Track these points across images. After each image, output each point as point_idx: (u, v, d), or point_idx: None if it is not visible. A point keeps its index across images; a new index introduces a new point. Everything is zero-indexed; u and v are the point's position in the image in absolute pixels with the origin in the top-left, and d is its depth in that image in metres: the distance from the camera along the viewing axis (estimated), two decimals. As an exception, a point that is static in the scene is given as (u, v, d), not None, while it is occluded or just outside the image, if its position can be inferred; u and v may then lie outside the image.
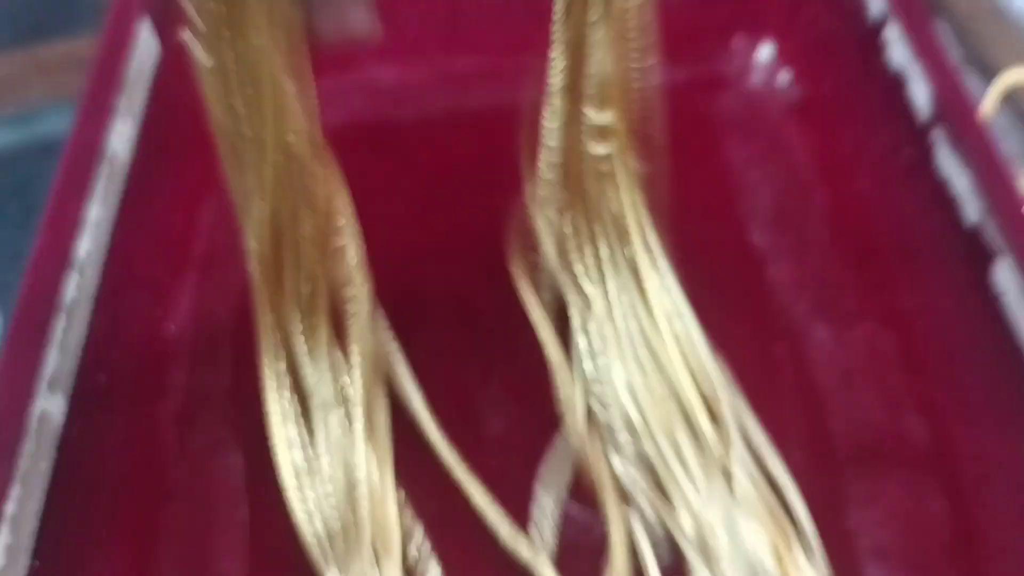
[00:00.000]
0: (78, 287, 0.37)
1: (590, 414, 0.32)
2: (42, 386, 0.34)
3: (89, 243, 0.38)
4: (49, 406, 0.34)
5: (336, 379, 0.33)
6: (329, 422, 0.32)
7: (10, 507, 0.31)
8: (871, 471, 0.31)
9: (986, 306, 0.34)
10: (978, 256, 0.35)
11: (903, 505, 0.30)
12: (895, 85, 0.40)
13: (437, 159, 0.42)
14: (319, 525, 0.30)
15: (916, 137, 0.39)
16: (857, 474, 0.31)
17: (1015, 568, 0.29)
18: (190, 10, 0.26)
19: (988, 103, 0.43)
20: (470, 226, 0.38)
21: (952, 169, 0.37)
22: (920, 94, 0.39)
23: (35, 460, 0.32)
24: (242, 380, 0.36)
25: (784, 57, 0.44)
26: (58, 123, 0.60)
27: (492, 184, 0.35)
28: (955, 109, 0.37)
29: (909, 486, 0.31)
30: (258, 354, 0.34)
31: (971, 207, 0.36)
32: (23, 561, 0.31)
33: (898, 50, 0.39)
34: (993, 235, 0.34)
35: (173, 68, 0.42)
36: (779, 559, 0.28)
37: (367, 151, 0.42)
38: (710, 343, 0.33)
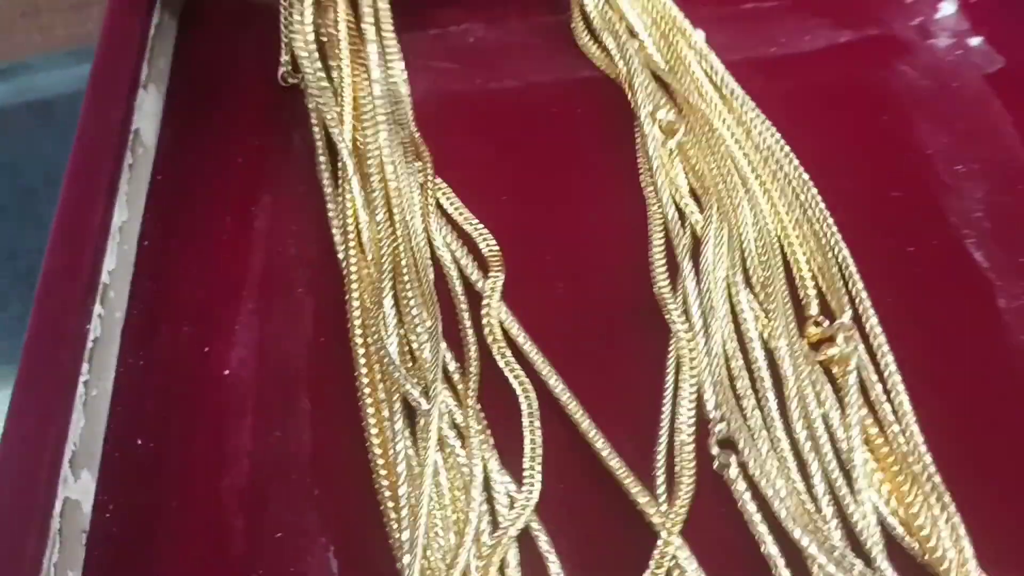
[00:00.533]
0: (102, 321, 0.28)
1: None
2: (64, 468, 0.26)
3: (114, 260, 0.30)
4: (77, 494, 0.26)
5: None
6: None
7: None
8: None
9: None
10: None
11: None
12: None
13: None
14: None
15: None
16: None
17: None
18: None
19: None
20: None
21: None
22: None
23: (64, 570, 0.24)
24: (322, 448, 0.27)
25: (970, 15, 0.35)
26: (51, 79, 0.51)
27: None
28: None
29: None
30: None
31: None
32: None
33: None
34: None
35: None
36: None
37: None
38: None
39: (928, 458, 0.25)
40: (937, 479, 0.24)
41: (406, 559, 0.24)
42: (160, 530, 0.26)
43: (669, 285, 0.29)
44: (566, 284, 0.30)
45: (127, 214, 0.32)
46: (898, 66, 0.34)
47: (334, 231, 0.32)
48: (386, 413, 0.27)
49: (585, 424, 0.27)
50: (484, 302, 0.29)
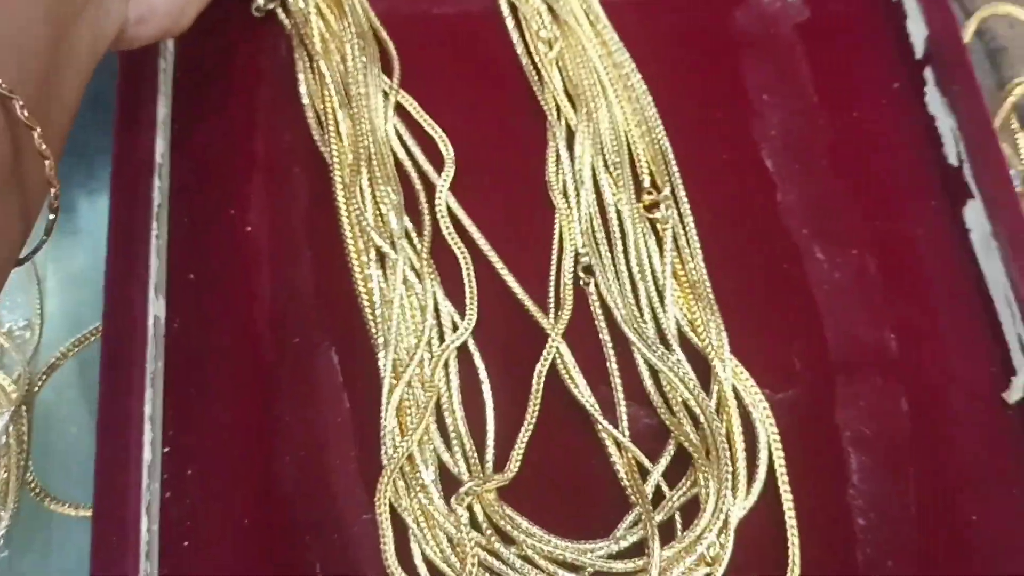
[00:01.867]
0: (159, 191, 0.40)
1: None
2: (151, 293, 0.38)
3: (163, 144, 0.41)
4: (157, 310, 0.38)
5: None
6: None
7: (147, 408, 0.36)
8: (853, 376, 0.39)
9: (956, 239, 0.42)
10: (955, 194, 0.42)
11: (877, 404, 0.39)
12: (896, 16, 0.45)
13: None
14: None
15: (910, 72, 0.45)
16: (843, 378, 0.39)
17: (965, 456, 0.38)
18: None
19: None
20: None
21: (939, 110, 0.43)
22: (917, 32, 0.44)
23: (155, 361, 0.37)
24: (324, 282, 0.41)
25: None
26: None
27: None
28: (946, 54, 0.43)
29: (882, 389, 0.39)
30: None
31: (951, 150, 0.42)
32: (159, 452, 0.37)
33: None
34: (968, 178, 0.41)
35: None
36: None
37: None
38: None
39: (708, 285, 0.40)
40: (711, 297, 0.40)
41: (381, 354, 0.38)
42: (212, 338, 0.40)
43: (555, 171, 0.42)
44: (492, 176, 0.43)
45: (165, 108, 0.43)
46: (733, 13, 0.47)
47: (310, 121, 0.43)
48: (365, 259, 0.40)
49: (503, 271, 0.40)
50: (439, 187, 0.42)
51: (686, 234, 0.41)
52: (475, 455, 0.38)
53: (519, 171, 0.43)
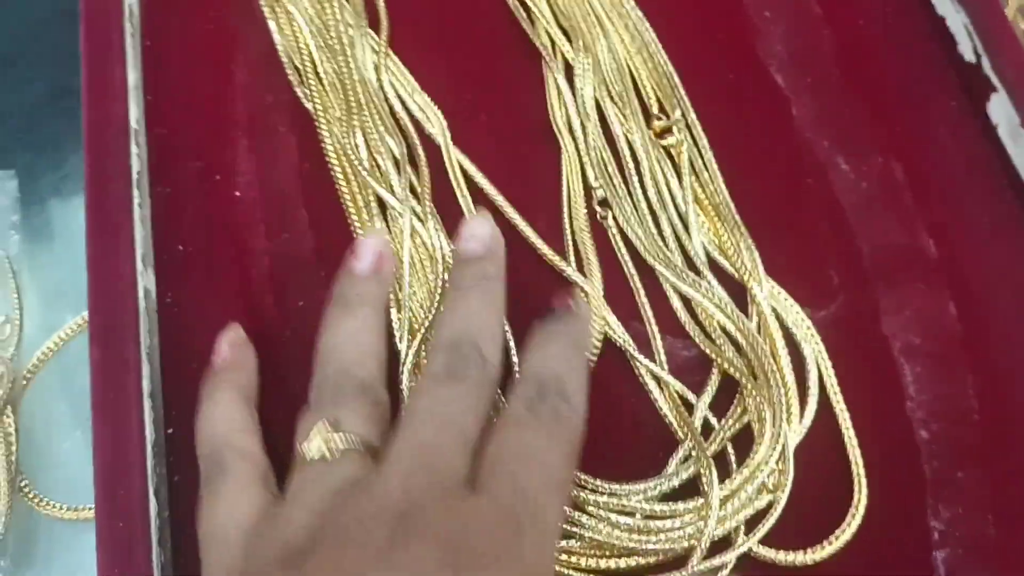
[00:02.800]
0: (138, 158, 0.38)
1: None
2: (139, 264, 0.35)
3: (136, 110, 0.38)
4: (147, 282, 0.36)
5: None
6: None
7: (146, 384, 0.33)
8: (895, 284, 0.37)
9: (978, 134, 0.40)
10: (977, 90, 0.40)
11: (924, 311, 0.37)
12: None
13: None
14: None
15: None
16: (885, 287, 0.37)
17: (1016, 355, 0.36)
18: None
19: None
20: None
21: (948, 9, 0.42)
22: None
23: (149, 336, 0.35)
24: (320, 243, 0.38)
25: None
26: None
27: None
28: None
29: (927, 294, 0.37)
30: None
31: (967, 46, 0.41)
32: (162, 431, 0.34)
33: None
34: (988, 72, 0.39)
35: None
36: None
37: None
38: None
39: (732, 206, 0.38)
40: (738, 219, 0.38)
41: (394, 312, 0.36)
42: (209, 310, 0.37)
43: (558, 107, 0.40)
44: (489, 120, 0.41)
45: (135, 76, 0.40)
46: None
47: (290, 76, 0.41)
48: (365, 215, 0.38)
49: (514, 215, 0.38)
50: (442, 135, 0.39)
51: (702, 157, 0.39)
52: (504, 404, 0.35)
53: (517, 113, 0.41)
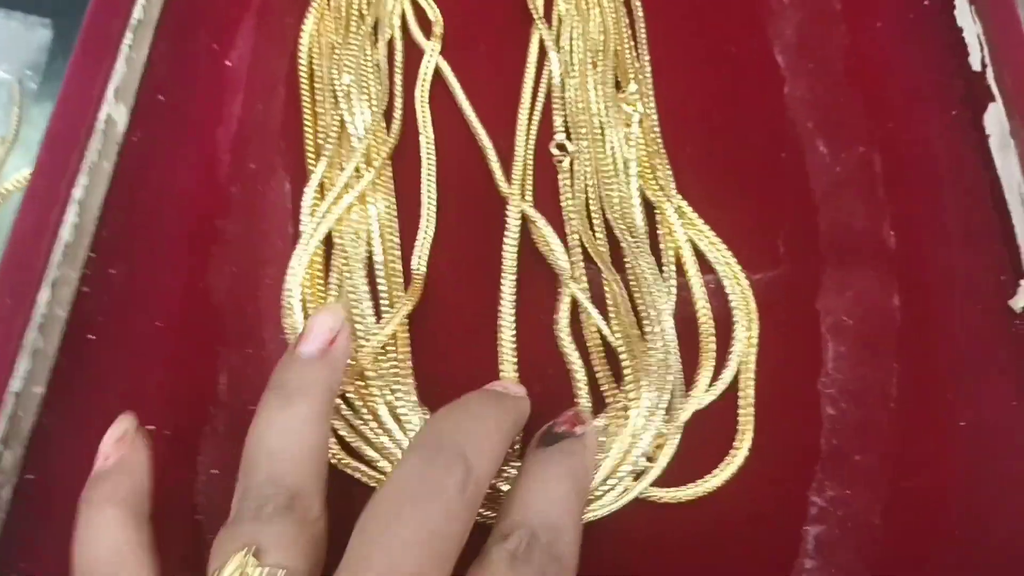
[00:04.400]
0: (144, 8, 0.40)
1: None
2: (109, 94, 0.37)
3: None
4: (115, 113, 0.38)
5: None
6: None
7: (77, 192, 0.35)
8: (845, 264, 0.36)
9: (973, 144, 0.39)
10: (977, 100, 0.39)
11: (867, 296, 0.35)
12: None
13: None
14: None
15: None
16: (833, 265, 0.36)
17: (955, 355, 0.34)
18: None
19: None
20: None
21: (967, 20, 0.41)
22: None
23: (100, 157, 0.37)
24: (291, 119, 0.40)
25: None
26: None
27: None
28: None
29: (876, 281, 0.36)
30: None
31: (976, 56, 0.40)
32: (86, 242, 0.36)
33: None
34: (990, 81, 0.38)
35: None
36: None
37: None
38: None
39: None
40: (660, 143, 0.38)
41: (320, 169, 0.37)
42: (170, 150, 0.39)
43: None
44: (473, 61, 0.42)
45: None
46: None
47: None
48: (320, 98, 0.39)
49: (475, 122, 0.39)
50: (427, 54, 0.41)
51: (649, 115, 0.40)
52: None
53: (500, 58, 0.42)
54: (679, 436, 0.33)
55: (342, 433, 0.32)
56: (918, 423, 0.33)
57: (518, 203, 0.37)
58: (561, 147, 0.39)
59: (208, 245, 0.37)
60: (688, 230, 0.37)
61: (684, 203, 0.37)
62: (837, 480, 0.32)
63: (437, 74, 0.41)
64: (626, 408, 0.32)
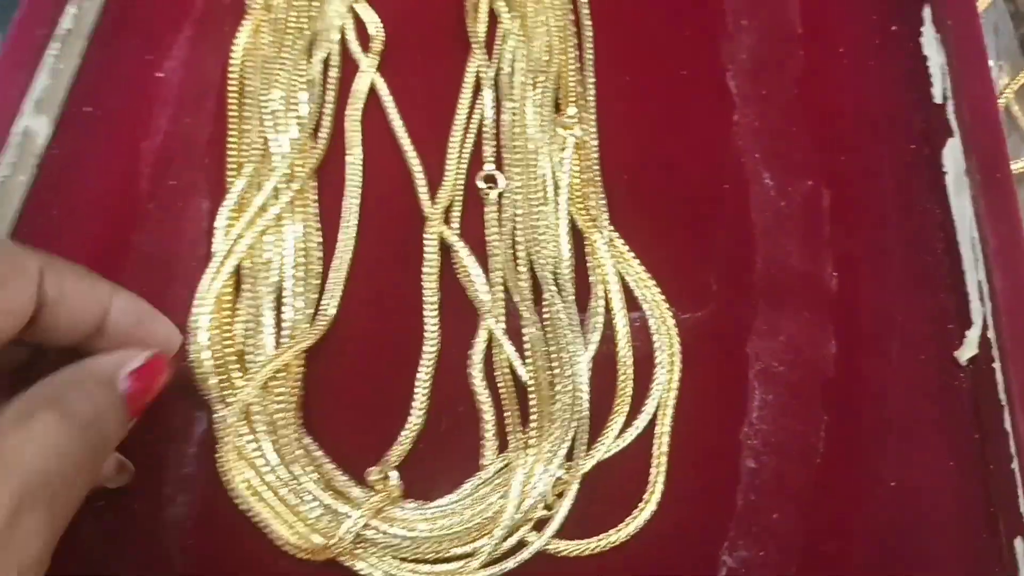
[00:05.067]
0: (75, 19, 0.39)
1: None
2: (28, 105, 0.37)
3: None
4: (34, 124, 0.37)
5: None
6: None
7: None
8: (780, 307, 0.34)
9: (928, 182, 0.37)
10: (936, 134, 0.37)
11: (800, 341, 0.34)
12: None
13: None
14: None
15: (907, 13, 0.40)
16: (767, 307, 0.34)
17: (890, 409, 0.32)
18: None
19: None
20: None
21: (932, 48, 0.39)
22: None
23: (15, 171, 0.36)
24: (220, 134, 0.38)
25: None
26: None
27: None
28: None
29: (810, 326, 0.34)
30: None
31: (938, 88, 0.37)
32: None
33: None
34: (949, 114, 0.36)
35: None
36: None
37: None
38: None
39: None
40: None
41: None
42: (93, 167, 0.38)
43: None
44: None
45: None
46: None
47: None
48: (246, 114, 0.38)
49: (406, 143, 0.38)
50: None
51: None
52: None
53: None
54: (577, 485, 0.31)
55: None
56: (843, 481, 0.31)
57: (437, 227, 0.35)
58: (489, 179, 0.37)
59: (120, 260, 0.36)
60: (617, 263, 0.35)
61: (615, 234, 0.35)
62: (751, 539, 0.31)
63: (374, 94, 0.40)
64: (526, 449, 0.31)
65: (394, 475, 0.31)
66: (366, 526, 0.30)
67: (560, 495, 0.31)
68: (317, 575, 0.31)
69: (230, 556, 0.31)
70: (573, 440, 0.31)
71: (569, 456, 0.31)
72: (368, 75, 0.39)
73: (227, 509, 0.31)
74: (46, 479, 0.23)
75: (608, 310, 0.34)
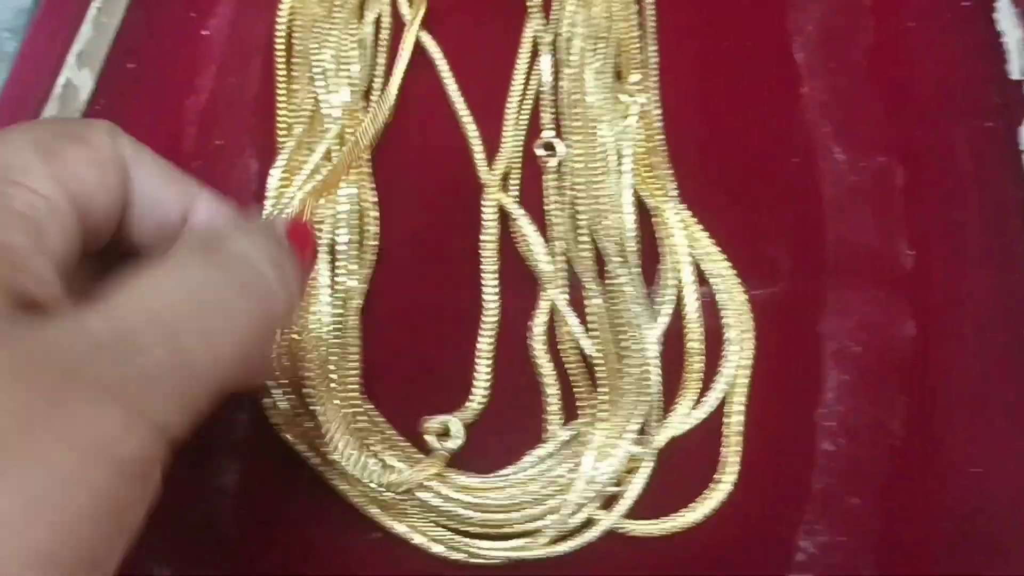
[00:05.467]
0: (118, -29, 0.38)
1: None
2: (71, 58, 0.35)
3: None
4: (76, 78, 0.35)
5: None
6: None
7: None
8: (852, 285, 0.33)
9: (1004, 159, 0.35)
10: (1013, 112, 0.36)
11: (875, 320, 0.32)
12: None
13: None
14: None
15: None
16: (839, 284, 0.33)
17: (970, 392, 0.31)
18: None
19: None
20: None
21: (1008, 23, 0.37)
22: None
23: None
24: (266, 94, 0.37)
25: None
26: None
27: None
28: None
29: (885, 305, 0.32)
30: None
31: (1015, 64, 0.36)
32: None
33: None
34: (1028, 92, 0.35)
35: None
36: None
37: None
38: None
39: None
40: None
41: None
42: (136, 125, 0.36)
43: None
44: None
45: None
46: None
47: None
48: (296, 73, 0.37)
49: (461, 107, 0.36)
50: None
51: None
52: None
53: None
54: (653, 463, 0.30)
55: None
56: (922, 467, 0.30)
57: (496, 193, 0.34)
58: (548, 146, 0.36)
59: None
60: (685, 236, 0.34)
61: (682, 206, 0.34)
62: (828, 524, 0.29)
63: (425, 55, 0.38)
64: (595, 423, 0.29)
65: (456, 424, 0.30)
66: (425, 487, 0.28)
67: (630, 472, 0.30)
68: (371, 551, 0.30)
69: (279, 524, 0.30)
70: (644, 416, 0.30)
71: (640, 432, 0.30)
72: (413, 30, 0.38)
73: (277, 476, 0.30)
74: None
75: (678, 284, 0.33)
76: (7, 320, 0.19)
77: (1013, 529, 0.29)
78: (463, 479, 0.29)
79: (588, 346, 0.31)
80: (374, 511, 0.29)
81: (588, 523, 0.29)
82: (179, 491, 0.29)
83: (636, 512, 0.30)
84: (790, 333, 0.32)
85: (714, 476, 0.30)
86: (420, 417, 0.30)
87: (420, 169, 0.36)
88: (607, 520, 0.29)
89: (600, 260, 0.33)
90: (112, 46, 0.38)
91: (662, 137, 0.36)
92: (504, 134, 0.36)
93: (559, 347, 0.32)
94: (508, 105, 0.36)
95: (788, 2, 0.39)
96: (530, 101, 0.37)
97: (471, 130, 0.36)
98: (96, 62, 0.37)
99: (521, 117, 0.36)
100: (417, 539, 0.29)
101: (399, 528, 0.29)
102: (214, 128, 0.37)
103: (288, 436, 0.30)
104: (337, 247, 0.33)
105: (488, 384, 0.31)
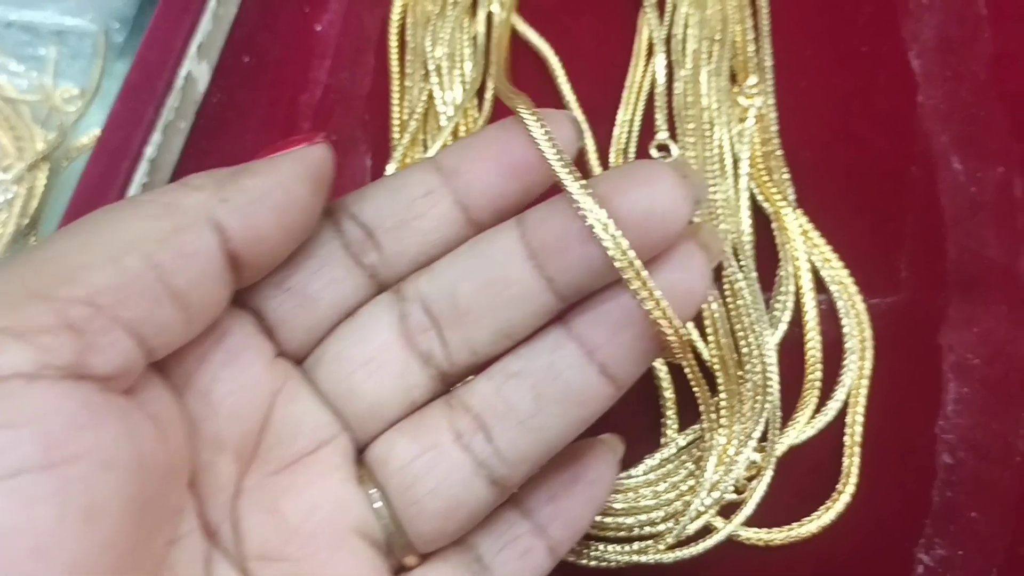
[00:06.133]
0: (236, -34, 0.38)
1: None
2: (192, 50, 0.36)
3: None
4: (196, 71, 0.36)
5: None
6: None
7: (149, 149, 0.33)
8: (974, 298, 0.33)
9: None
10: None
11: (997, 335, 0.32)
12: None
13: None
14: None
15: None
16: (960, 298, 0.33)
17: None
18: None
19: None
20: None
21: None
22: None
23: (177, 115, 0.35)
24: (378, 90, 0.37)
25: None
26: None
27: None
28: None
29: (1008, 320, 0.32)
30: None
31: None
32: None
33: None
34: None
35: None
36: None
37: None
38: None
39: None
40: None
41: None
42: (250, 117, 0.37)
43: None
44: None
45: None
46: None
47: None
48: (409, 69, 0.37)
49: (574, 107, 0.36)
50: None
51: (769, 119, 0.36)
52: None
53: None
54: (772, 471, 0.30)
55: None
56: (1049, 484, 0.30)
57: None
58: (662, 148, 0.36)
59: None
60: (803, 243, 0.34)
61: (799, 212, 0.34)
62: (949, 538, 0.29)
63: (538, 56, 0.38)
64: (715, 429, 0.29)
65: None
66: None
67: (750, 479, 0.30)
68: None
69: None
70: (765, 424, 0.30)
71: (761, 440, 0.30)
72: (505, 22, 0.38)
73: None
74: None
75: (797, 291, 0.33)
76: None
77: None
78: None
79: (703, 350, 0.32)
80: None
81: (706, 529, 0.29)
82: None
83: (753, 520, 0.30)
84: (909, 343, 0.32)
85: (836, 487, 0.30)
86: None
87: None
88: (729, 527, 0.29)
89: (716, 265, 0.33)
90: (227, 39, 0.39)
91: (778, 141, 0.35)
92: (617, 135, 0.36)
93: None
94: (624, 106, 0.37)
95: (904, 10, 0.39)
96: (643, 102, 0.37)
97: (584, 128, 0.36)
98: (213, 55, 0.38)
99: (636, 118, 0.36)
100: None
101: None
102: (328, 123, 0.37)
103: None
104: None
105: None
